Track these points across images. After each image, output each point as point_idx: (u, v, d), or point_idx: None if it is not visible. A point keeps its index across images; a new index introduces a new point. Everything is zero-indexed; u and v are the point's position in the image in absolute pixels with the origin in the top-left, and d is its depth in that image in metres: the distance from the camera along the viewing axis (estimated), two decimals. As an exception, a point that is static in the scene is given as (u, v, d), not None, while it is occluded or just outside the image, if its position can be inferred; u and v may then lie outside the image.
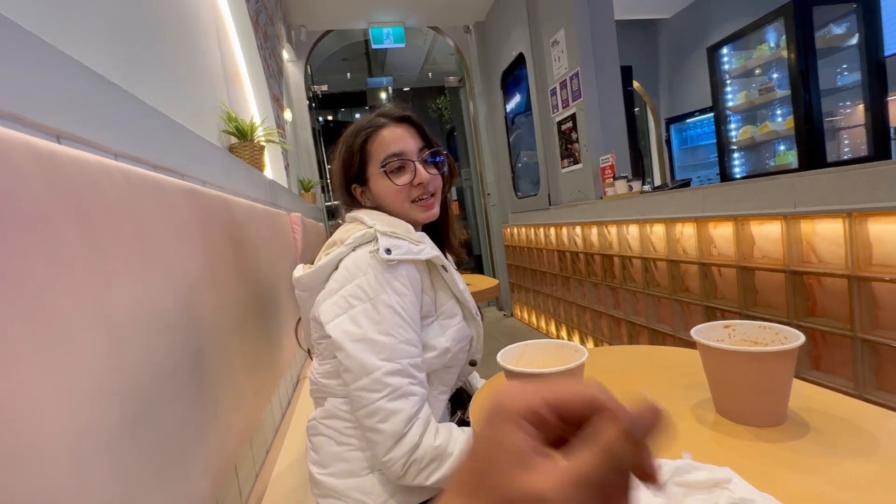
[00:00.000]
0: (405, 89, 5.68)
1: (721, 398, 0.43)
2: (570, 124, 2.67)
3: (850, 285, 1.17)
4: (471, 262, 4.83)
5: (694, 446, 0.38)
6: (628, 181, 2.12)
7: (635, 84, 4.53)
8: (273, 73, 2.40)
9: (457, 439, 0.62)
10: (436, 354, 0.68)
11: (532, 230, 3.07)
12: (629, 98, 3.88)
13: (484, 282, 1.89)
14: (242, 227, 0.85)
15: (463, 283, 0.75)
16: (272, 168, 1.97)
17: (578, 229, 2.43)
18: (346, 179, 0.76)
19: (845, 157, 2.76)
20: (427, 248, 0.68)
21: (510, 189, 3.69)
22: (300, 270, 0.71)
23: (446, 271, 0.70)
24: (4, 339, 0.28)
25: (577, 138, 2.62)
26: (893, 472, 0.32)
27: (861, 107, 2.60)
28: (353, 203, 0.77)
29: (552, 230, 2.75)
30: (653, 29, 4.67)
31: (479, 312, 0.77)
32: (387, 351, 0.60)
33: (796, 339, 0.40)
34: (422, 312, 0.68)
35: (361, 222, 0.70)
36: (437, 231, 0.82)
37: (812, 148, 2.62)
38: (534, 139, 3.15)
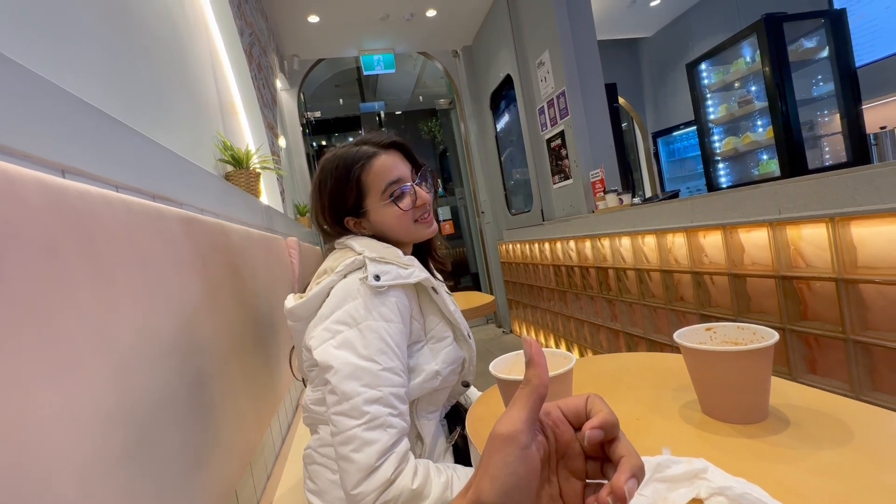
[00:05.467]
0: (397, 113, 5.79)
1: (705, 398, 0.45)
2: (559, 141, 2.74)
3: (837, 288, 1.19)
4: (468, 279, 4.85)
5: (680, 444, 0.40)
6: (618, 194, 2.16)
7: (621, 100, 4.65)
8: (267, 102, 2.46)
9: (433, 482, 0.58)
10: (424, 378, 0.67)
11: (527, 246, 3.10)
12: (615, 114, 3.99)
13: (479, 298, 1.90)
14: (240, 253, 0.87)
15: (454, 304, 0.75)
16: (268, 194, 2.00)
17: (572, 243, 2.46)
18: (339, 212, 0.74)
19: (827, 164, 2.83)
20: (416, 272, 0.67)
21: (504, 206, 3.74)
22: (291, 301, 0.70)
23: (436, 293, 0.70)
24: (16, 365, 0.29)
25: (567, 154, 2.68)
26: (864, 458, 0.34)
27: (837, 115, 2.68)
28: (346, 234, 0.75)
29: (546, 245, 2.78)
30: (635, 47, 4.83)
31: (471, 334, 0.76)
32: (368, 377, 0.59)
33: (771, 337, 0.42)
34: (411, 338, 0.67)
35: (351, 249, 0.70)
36: (423, 245, 0.83)
37: (793, 156, 2.69)
38: (525, 157, 3.22)
